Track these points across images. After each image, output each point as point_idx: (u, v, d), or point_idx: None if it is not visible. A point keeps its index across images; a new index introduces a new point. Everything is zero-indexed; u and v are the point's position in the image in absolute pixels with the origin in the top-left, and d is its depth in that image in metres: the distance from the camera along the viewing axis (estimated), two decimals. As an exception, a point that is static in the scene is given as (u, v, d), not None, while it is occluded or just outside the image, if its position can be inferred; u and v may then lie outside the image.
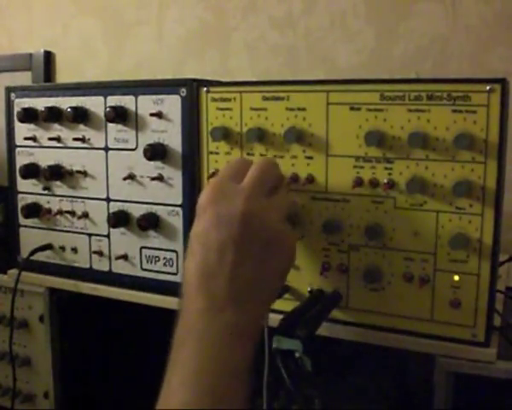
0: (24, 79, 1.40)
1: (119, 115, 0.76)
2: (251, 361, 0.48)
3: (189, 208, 0.74)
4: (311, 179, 0.65)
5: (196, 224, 0.50)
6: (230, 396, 0.45)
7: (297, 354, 0.55)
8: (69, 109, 0.79)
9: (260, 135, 0.67)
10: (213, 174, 0.70)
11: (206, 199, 0.50)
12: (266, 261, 0.49)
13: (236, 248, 0.47)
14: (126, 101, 0.76)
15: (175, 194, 0.75)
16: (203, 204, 0.50)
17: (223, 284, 0.47)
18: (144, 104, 0.75)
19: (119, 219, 0.78)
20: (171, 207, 0.75)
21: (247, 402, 0.46)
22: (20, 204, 0.86)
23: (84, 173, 0.81)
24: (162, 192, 0.75)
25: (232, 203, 0.49)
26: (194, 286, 0.48)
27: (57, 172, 0.83)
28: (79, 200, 0.82)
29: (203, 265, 0.48)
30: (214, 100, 0.70)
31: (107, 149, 0.79)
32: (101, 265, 0.82)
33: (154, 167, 0.75)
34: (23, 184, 0.86)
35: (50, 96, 0.83)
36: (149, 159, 0.74)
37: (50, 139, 0.83)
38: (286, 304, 0.66)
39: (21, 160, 0.86)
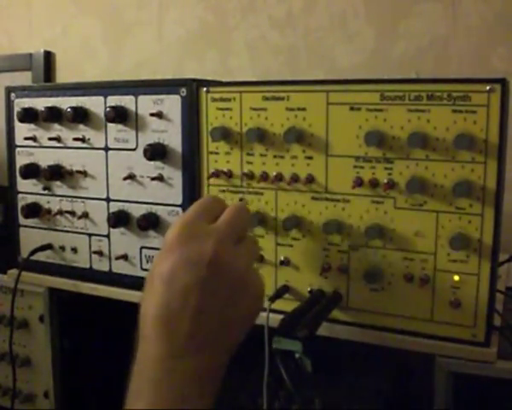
0: (24, 79, 1.40)
1: (119, 115, 0.76)
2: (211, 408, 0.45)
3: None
4: (311, 179, 0.65)
5: (160, 261, 0.47)
6: None
7: (297, 355, 0.55)
8: (69, 109, 0.79)
9: (260, 135, 0.67)
10: (213, 174, 0.71)
11: (175, 237, 0.47)
12: (232, 308, 0.47)
13: (202, 293, 0.45)
14: (126, 101, 0.76)
15: (175, 194, 0.75)
16: (171, 242, 0.47)
17: (184, 329, 0.45)
18: (144, 104, 0.75)
19: (119, 219, 0.78)
20: (171, 207, 0.75)
21: None
22: (20, 204, 0.86)
23: (84, 173, 0.81)
24: (162, 192, 0.75)
25: (202, 245, 0.46)
26: (154, 329, 0.45)
27: (57, 172, 0.82)
28: (79, 200, 0.82)
29: (165, 307, 0.45)
30: (214, 100, 0.70)
31: (107, 149, 0.79)
32: (101, 265, 0.82)
33: (154, 167, 0.75)
34: (23, 184, 0.86)
35: (50, 96, 0.83)
36: (149, 159, 0.74)
37: (50, 139, 0.83)
38: (286, 304, 0.66)
39: (21, 160, 0.86)
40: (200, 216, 0.50)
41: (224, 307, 0.46)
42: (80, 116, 0.79)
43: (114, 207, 0.79)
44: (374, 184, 0.62)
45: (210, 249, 0.46)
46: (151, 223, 0.76)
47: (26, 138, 0.85)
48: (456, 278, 0.60)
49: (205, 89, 0.71)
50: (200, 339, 0.45)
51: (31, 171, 0.84)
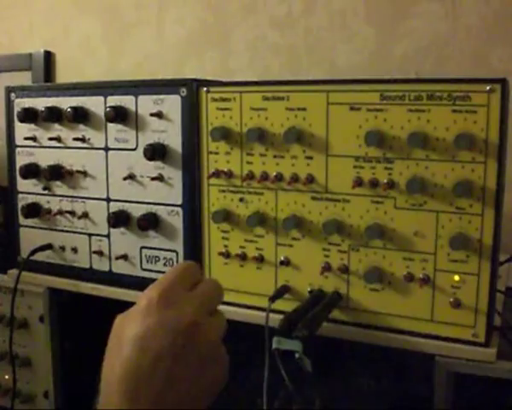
0: (24, 79, 1.40)
1: (119, 115, 0.76)
2: None
3: (188, 208, 0.74)
4: (311, 179, 0.65)
5: (133, 323, 0.46)
6: None
7: (297, 355, 0.55)
8: (69, 109, 0.79)
9: (260, 135, 0.67)
10: (213, 174, 0.71)
11: (153, 301, 0.46)
12: (201, 378, 0.46)
13: (174, 360, 0.44)
14: (126, 101, 0.76)
15: (175, 194, 0.75)
16: (148, 305, 0.46)
17: (152, 395, 0.43)
18: (144, 104, 0.75)
19: (119, 219, 0.78)
20: (171, 207, 0.75)
21: None
22: (20, 204, 0.86)
23: (84, 173, 0.81)
24: (162, 192, 0.75)
25: (180, 312, 0.46)
26: (119, 391, 0.43)
27: (57, 172, 0.83)
28: (79, 200, 0.82)
29: (133, 370, 0.43)
30: (214, 100, 0.70)
31: (107, 149, 0.79)
32: (101, 265, 0.82)
33: (154, 167, 0.75)
34: (23, 184, 0.86)
35: (50, 96, 0.83)
36: (149, 159, 0.74)
37: (50, 139, 0.83)
38: (286, 304, 0.66)
39: (21, 160, 0.86)
40: (179, 282, 0.49)
41: (193, 376, 0.45)
42: (80, 116, 0.80)
43: (114, 207, 0.79)
44: (374, 184, 0.62)
45: (188, 317, 0.45)
46: (151, 223, 0.76)
47: (26, 138, 0.85)
48: (456, 278, 0.60)
49: (205, 89, 0.71)
50: (166, 405, 0.44)
51: (31, 171, 0.84)
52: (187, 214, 0.74)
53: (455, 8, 1.01)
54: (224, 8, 1.20)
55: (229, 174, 0.70)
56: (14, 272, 0.87)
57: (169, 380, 0.44)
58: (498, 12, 0.98)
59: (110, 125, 0.78)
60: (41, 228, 0.86)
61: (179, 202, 0.75)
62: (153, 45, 1.29)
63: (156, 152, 0.74)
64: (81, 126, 0.80)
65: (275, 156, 0.67)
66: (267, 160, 0.68)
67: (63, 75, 1.41)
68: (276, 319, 0.60)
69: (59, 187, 0.84)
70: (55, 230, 0.85)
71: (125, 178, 0.77)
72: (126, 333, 0.46)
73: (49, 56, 1.41)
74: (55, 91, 0.83)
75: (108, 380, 0.45)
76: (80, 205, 0.82)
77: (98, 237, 0.82)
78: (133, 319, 0.47)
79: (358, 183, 0.62)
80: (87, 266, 0.83)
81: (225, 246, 0.72)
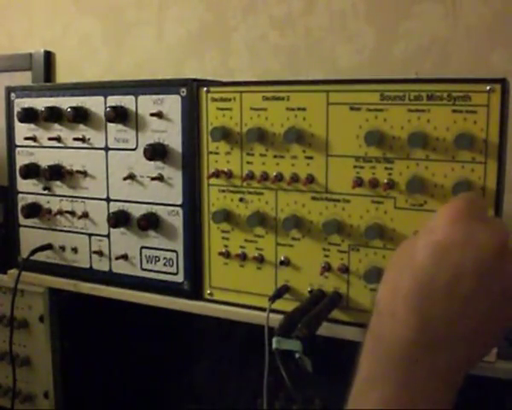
0: (24, 79, 1.40)
1: (119, 115, 0.76)
2: None
3: (188, 208, 0.74)
4: (311, 179, 0.65)
5: (434, 231, 0.39)
6: None
7: (297, 355, 0.55)
8: (69, 109, 0.79)
9: (260, 135, 0.67)
10: (213, 174, 0.71)
11: (463, 208, 0.40)
12: (500, 310, 0.39)
13: (477, 282, 0.37)
14: (126, 101, 0.76)
15: (175, 194, 0.75)
16: (456, 211, 0.40)
17: (445, 315, 0.37)
18: (144, 104, 0.75)
19: (119, 219, 0.78)
20: (171, 207, 0.75)
21: None
22: (20, 204, 0.86)
23: (84, 173, 0.81)
24: (162, 192, 0.75)
25: (492, 228, 0.39)
26: (407, 306, 0.38)
27: (57, 172, 0.83)
28: (79, 200, 0.82)
29: (428, 283, 0.38)
30: (214, 100, 0.70)
31: (107, 149, 0.79)
32: (101, 265, 0.82)
33: (154, 167, 0.75)
34: (23, 184, 0.86)
35: (50, 96, 0.83)
36: (149, 159, 0.74)
37: (50, 139, 0.83)
38: (286, 304, 0.66)
39: (21, 160, 0.86)
40: (480, 205, 0.43)
41: (493, 307, 0.38)
42: (80, 116, 0.79)
43: (114, 207, 0.79)
44: (374, 184, 0.62)
45: (501, 236, 0.39)
46: (151, 223, 0.76)
47: (26, 138, 0.85)
48: (456, 278, 0.60)
49: (205, 89, 0.71)
50: (460, 333, 0.38)
51: (31, 171, 0.84)
52: (187, 214, 0.74)
53: (455, 8, 1.01)
54: (224, 8, 1.20)
55: (229, 174, 0.70)
56: (14, 272, 0.87)
57: (468, 304, 0.37)
58: (498, 12, 0.98)
59: (110, 125, 0.78)
60: (41, 228, 0.86)
61: (179, 202, 0.75)
62: (153, 45, 1.29)
63: (156, 152, 0.74)
64: (81, 126, 0.80)
65: (275, 156, 0.67)
66: (267, 160, 0.68)
67: (63, 75, 1.41)
68: (276, 319, 0.60)
69: (59, 187, 0.84)
70: (55, 230, 0.85)
71: (125, 178, 0.77)
72: (423, 239, 0.39)
73: (49, 56, 1.41)
74: (55, 91, 0.83)
75: (394, 292, 0.39)
76: (80, 205, 0.82)
77: (98, 237, 0.82)
78: (431, 227, 0.40)
79: (358, 183, 0.62)
80: (87, 266, 0.83)
81: (225, 246, 0.72)
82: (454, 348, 0.38)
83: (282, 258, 0.68)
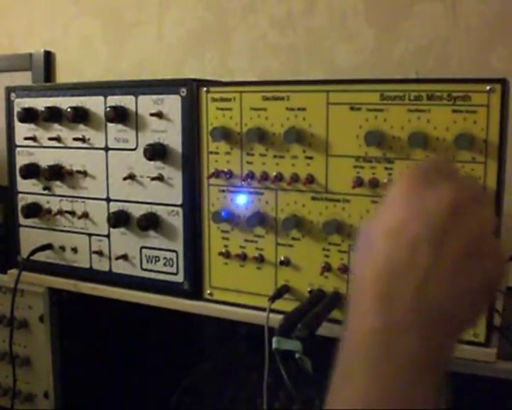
0: (24, 79, 1.40)
1: (119, 115, 0.76)
2: (433, 406, 0.36)
3: (188, 208, 0.74)
4: (311, 179, 0.65)
5: (382, 215, 0.39)
6: None
7: (297, 355, 0.55)
8: (69, 109, 0.79)
9: (260, 135, 0.67)
10: (213, 174, 0.71)
11: (404, 188, 0.39)
12: (468, 270, 0.37)
13: (434, 246, 0.36)
14: (126, 101, 0.76)
15: (175, 194, 0.75)
16: (399, 193, 0.39)
17: (408, 293, 0.36)
18: (144, 104, 0.75)
19: (119, 219, 0.78)
20: (171, 207, 0.75)
21: None
22: (20, 204, 0.86)
23: (84, 173, 0.81)
24: (162, 192, 0.75)
25: (439, 191, 0.37)
26: (370, 294, 0.37)
27: (57, 172, 0.82)
28: (79, 200, 0.82)
29: (386, 266, 0.37)
30: (214, 100, 0.70)
31: (107, 149, 0.79)
32: (101, 265, 0.82)
33: (154, 167, 0.75)
34: (23, 184, 0.86)
35: (50, 96, 0.83)
36: (149, 159, 0.74)
37: (50, 139, 0.83)
38: (286, 304, 0.66)
39: (21, 160, 0.86)
40: (434, 168, 0.41)
41: (458, 268, 0.36)
42: (80, 116, 0.79)
43: (114, 207, 0.79)
44: (374, 184, 0.62)
45: (450, 196, 0.37)
46: (151, 223, 0.76)
47: (26, 138, 0.85)
48: (457, 278, 0.60)
49: (205, 89, 0.71)
50: (425, 310, 0.36)
51: (31, 171, 0.84)
52: (187, 214, 0.74)
53: (455, 8, 1.01)
54: (224, 8, 1.20)
55: (229, 174, 0.70)
56: (14, 272, 0.87)
57: (428, 272, 0.36)
58: (498, 12, 0.98)
59: (110, 125, 0.78)
60: (41, 228, 0.86)
61: (179, 202, 0.75)
62: (153, 45, 1.29)
63: (156, 152, 0.74)
64: (81, 126, 0.80)
65: (275, 156, 0.67)
66: (267, 160, 0.68)
67: (63, 75, 1.41)
68: (276, 319, 0.60)
69: (59, 187, 0.84)
70: (55, 230, 0.85)
71: (125, 178, 0.77)
72: (375, 228, 0.39)
73: (49, 56, 1.41)
74: (55, 91, 0.83)
75: (358, 285, 0.39)
76: (80, 205, 0.82)
77: (98, 237, 0.82)
78: (382, 212, 0.39)
79: (358, 183, 0.62)
80: (87, 266, 0.83)
81: (225, 246, 0.72)
82: (425, 324, 0.36)
83: (282, 258, 0.68)
